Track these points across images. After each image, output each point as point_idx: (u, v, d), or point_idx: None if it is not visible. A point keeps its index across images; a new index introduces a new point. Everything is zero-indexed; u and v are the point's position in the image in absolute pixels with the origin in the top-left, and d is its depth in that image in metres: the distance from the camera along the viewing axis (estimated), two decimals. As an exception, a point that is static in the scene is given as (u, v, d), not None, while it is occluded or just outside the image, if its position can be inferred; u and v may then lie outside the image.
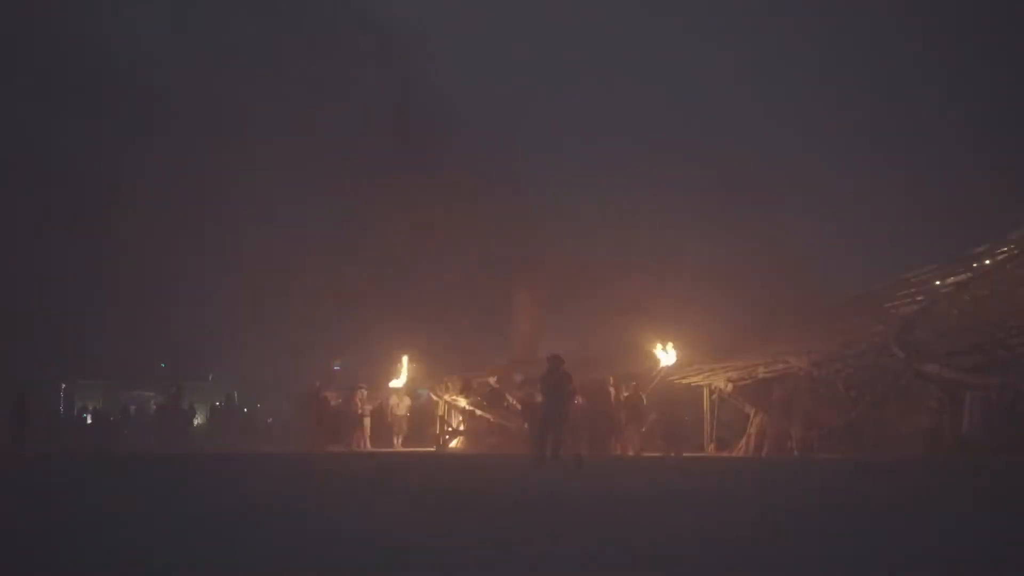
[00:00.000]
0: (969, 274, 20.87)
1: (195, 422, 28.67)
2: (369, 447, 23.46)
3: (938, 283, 21.23)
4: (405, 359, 25.65)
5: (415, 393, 26.00)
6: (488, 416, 24.33)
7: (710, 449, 20.96)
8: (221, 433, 26.81)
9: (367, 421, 24.27)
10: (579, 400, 20.04)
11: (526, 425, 21.54)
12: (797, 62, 28.56)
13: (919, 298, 20.71)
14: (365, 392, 24.66)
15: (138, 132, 29.21)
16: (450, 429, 25.09)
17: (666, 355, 21.63)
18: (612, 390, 20.92)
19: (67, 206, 28.74)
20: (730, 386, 20.65)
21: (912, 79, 26.39)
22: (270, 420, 30.10)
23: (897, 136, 26.09)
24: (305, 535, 5.99)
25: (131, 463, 15.39)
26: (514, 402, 22.97)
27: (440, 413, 25.34)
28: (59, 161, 29.02)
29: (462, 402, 24.88)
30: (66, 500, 8.71)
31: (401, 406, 25.26)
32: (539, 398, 17.76)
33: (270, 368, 29.49)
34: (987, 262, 21.05)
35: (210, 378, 36.16)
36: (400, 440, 24.78)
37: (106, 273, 28.82)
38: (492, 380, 25.08)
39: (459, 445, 24.40)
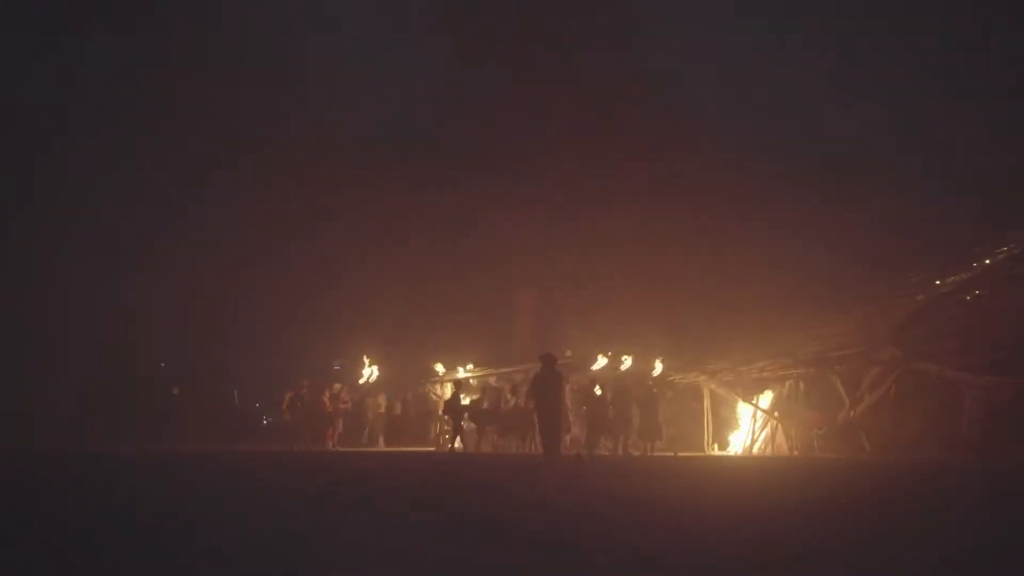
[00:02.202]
0: (968, 273, 20.88)
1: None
2: (335, 446, 23.64)
3: (937, 282, 21.24)
4: (366, 359, 26.14)
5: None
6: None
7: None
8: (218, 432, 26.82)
9: (339, 420, 24.54)
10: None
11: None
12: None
13: (918, 297, 20.72)
14: (338, 389, 25.03)
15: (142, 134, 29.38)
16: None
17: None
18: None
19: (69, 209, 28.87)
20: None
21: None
22: (266, 420, 30.10)
23: (900, 132, 26.11)
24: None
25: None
26: (518, 401, 22.97)
27: (440, 412, 25.40)
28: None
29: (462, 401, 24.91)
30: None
31: (380, 404, 25.50)
32: (525, 397, 17.96)
33: (271, 368, 29.43)
34: (987, 261, 21.05)
35: None
36: (382, 439, 25.08)
37: (104, 273, 28.85)
38: (492, 380, 25.14)
39: (459, 445, 24.40)
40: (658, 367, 22.26)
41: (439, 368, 26.49)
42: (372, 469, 14.20)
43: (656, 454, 19.93)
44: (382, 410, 25.64)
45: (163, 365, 30.49)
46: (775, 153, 26.66)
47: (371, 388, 26.44)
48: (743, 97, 28.63)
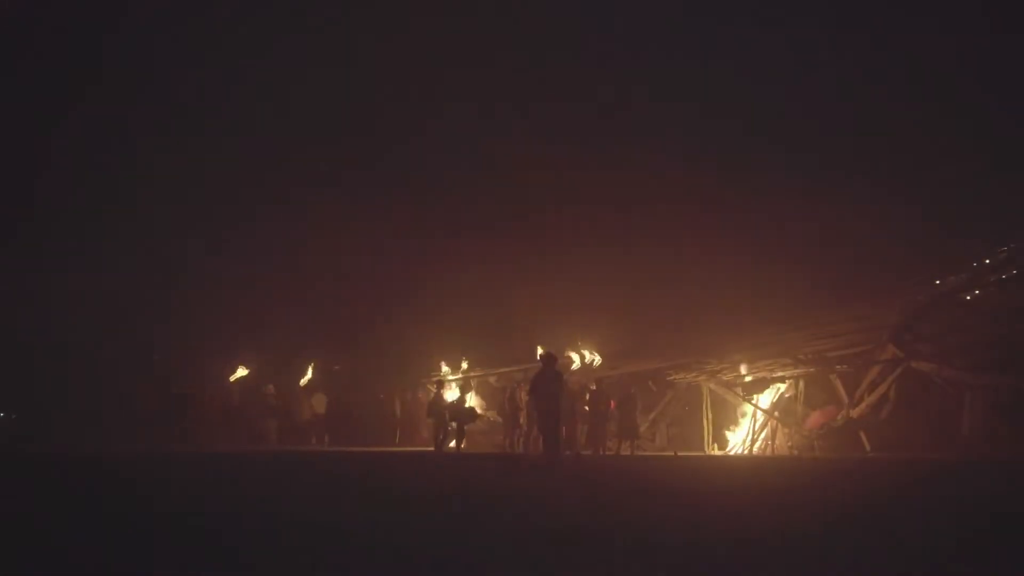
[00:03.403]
0: (968, 273, 20.91)
1: None
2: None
3: (937, 282, 21.25)
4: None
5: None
6: (489, 416, 24.37)
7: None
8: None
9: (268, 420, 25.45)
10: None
11: (523, 424, 21.60)
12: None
13: (918, 297, 20.74)
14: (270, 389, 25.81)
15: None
16: (450, 428, 25.06)
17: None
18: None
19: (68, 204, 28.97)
20: None
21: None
22: None
23: (900, 132, 26.09)
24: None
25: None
26: (520, 400, 22.96)
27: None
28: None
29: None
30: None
31: (319, 404, 25.80)
32: (525, 396, 18.02)
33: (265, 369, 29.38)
34: (987, 261, 21.08)
35: None
36: (327, 439, 25.31)
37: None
38: (492, 379, 25.13)
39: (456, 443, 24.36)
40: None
41: (444, 368, 26.52)
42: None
43: (646, 453, 19.96)
44: (321, 411, 26.03)
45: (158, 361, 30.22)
46: (776, 152, 26.67)
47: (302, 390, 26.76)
48: (744, 94, 28.62)
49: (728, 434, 21.39)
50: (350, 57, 29.99)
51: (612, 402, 20.61)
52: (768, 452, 20.19)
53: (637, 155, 27.17)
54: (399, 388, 27.00)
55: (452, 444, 21.11)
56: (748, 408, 21.09)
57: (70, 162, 30.02)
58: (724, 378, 21.15)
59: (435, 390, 22.48)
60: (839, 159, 26.52)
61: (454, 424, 21.27)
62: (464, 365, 26.37)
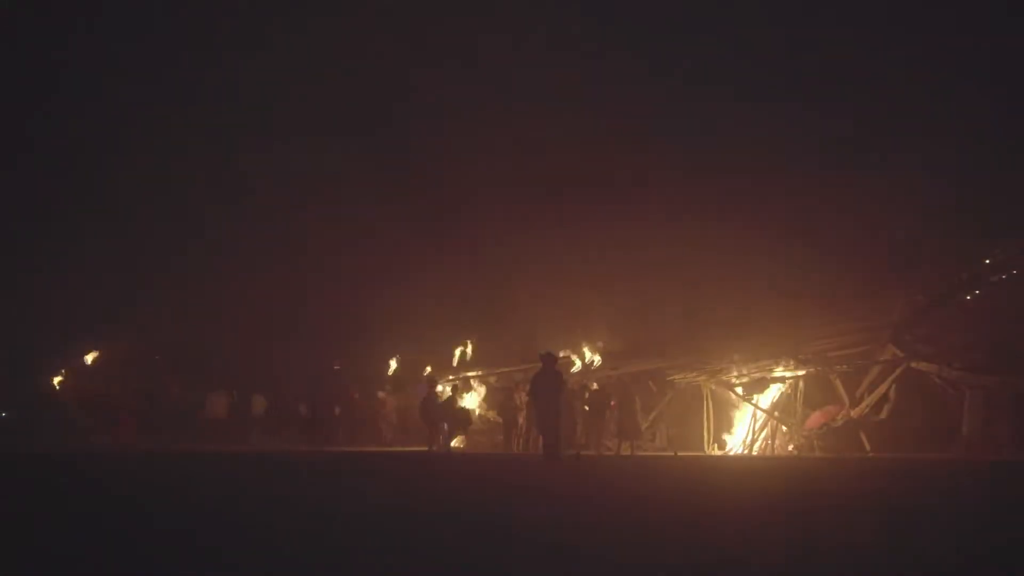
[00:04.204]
0: (968, 273, 20.91)
1: None
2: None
3: (937, 282, 21.25)
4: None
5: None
6: (489, 415, 24.41)
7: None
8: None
9: None
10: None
11: (522, 423, 21.64)
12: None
13: (918, 297, 20.75)
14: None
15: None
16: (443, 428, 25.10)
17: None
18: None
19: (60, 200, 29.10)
20: None
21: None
22: None
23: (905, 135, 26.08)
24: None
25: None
26: (519, 401, 23.03)
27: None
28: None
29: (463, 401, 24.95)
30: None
31: (257, 404, 26.31)
32: (524, 396, 18.05)
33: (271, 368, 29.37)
34: (986, 261, 21.08)
35: None
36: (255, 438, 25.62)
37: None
38: (492, 379, 25.15)
39: (459, 444, 24.39)
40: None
41: (427, 368, 26.60)
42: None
43: (646, 453, 19.95)
44: (260, 410, 26.62)
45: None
46: (776, 151, 26.64)
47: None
48: (743, 94, 28.60)
49: (728, 435, 21.41)
50: (348, 56, 30.03)
51: (613, 402, 20.61)
52: (768, 452, 20.20)
53: (636, 153, 27.15)
54: (384, 387, 27.14)
55: (453, 444, 21.15)
56: (748, 408, 21.11)
57: (69, 164, 30.10)
58: (724, 378, 21.16)
59: (428, 389, 22.50)
60: (839, 159, 26.51)
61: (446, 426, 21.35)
62: (454, 364, 26.44)
